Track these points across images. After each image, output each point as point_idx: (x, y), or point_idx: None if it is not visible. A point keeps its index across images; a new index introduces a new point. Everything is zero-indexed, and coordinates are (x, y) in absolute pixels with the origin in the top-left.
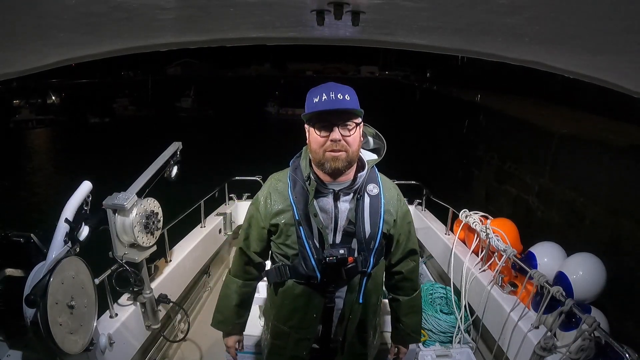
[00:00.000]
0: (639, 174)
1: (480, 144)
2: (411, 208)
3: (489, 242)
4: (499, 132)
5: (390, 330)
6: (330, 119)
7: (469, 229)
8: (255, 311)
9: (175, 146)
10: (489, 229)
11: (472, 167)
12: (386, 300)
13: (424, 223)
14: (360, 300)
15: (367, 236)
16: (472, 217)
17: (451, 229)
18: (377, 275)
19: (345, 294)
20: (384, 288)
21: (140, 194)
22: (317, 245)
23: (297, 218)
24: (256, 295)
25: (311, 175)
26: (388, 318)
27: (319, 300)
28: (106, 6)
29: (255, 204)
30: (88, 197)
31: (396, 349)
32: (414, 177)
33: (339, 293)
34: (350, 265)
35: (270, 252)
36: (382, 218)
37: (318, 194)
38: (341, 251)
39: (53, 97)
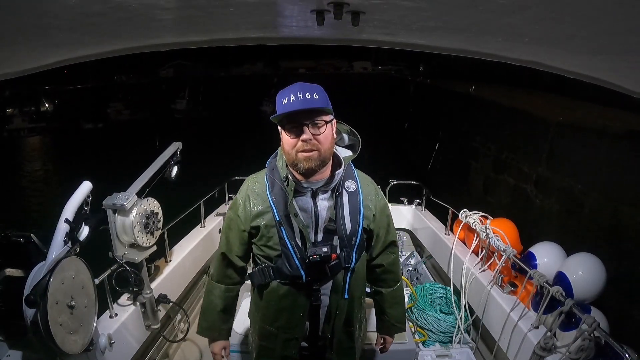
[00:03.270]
0: (636, 159)
1: (476, 135)
2: (411, 208)
3: (489, 242)
4: (495, 122)
5: (375, 330)
6: (299, 119)
7: (468, 229)
8: (244, 309)
9: (175, 146)
10: (488, 229)
11: (469, 159)
12: (370, 300)
13: (424, 223)
14: (346, 296)
15: (348, 232)
16: (471, 217)
17: (451, 229)
18: (360, 270)
19: (330, 291)
20: (366, 282)
21: (140, 194)
22: (300, 244)
23: (277, 219)
24: (247, 294)
25: (289, 176)
26: (373, 318)
27: (304, 299)
28: (106, 6)
29: (234, 208)
30: (88, 197)
31: (382, 339)
32: (411, 171)
33: (324, 290)
34: (333, 262)
35: (251, 254)
36: (361, 213)
37: (296, 193)
38: (324, 249)
39: (46, 104)
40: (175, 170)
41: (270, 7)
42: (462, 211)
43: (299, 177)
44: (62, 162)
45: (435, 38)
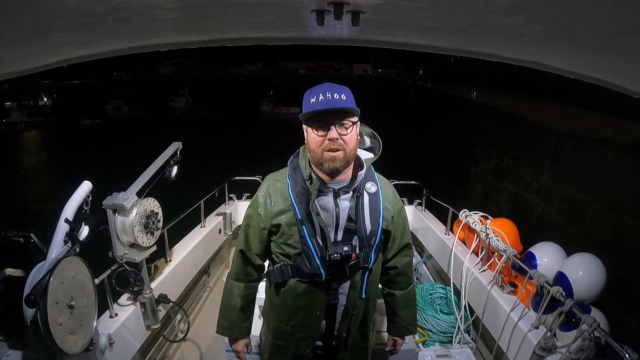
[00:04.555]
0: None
1: (476, 141)
2: (411, 208)
3: (489, 242)
4: (496, 129)
5: (386, 330)
6: (327, 119)
7: (468, 229)
8: (256, 311)
9: (175, 146)
10: (488, 229)
11: (469, 164)
12: (381, 300)
13: (424, 223)
14: (363, 296)
15: (367, 233)
16: (472, 217)
17: (451, 229)
18: (376, 271)
19: (347, 290)
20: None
21: (140, 193)
22: (320, 243)
23: (299, 217)
24: (257, 295)
25: (312, 175)
26: (384, 318)
27: (322, 297)
28: (106, 6)
29: (254, 206)
30: (88, 197)
31: (392, 340)
32: (410, 174)
33: (342, 290)
34: (353, 262)
35: (269, 252)
36: (381, 215)
37: (318, 192)
38: (345, 248)
39: (45, 99)
40: (175, 170)
41: (270, 7)
42: (462, 211)
43: (323, 176)
44: (60, 157)
45: (435, 38)
